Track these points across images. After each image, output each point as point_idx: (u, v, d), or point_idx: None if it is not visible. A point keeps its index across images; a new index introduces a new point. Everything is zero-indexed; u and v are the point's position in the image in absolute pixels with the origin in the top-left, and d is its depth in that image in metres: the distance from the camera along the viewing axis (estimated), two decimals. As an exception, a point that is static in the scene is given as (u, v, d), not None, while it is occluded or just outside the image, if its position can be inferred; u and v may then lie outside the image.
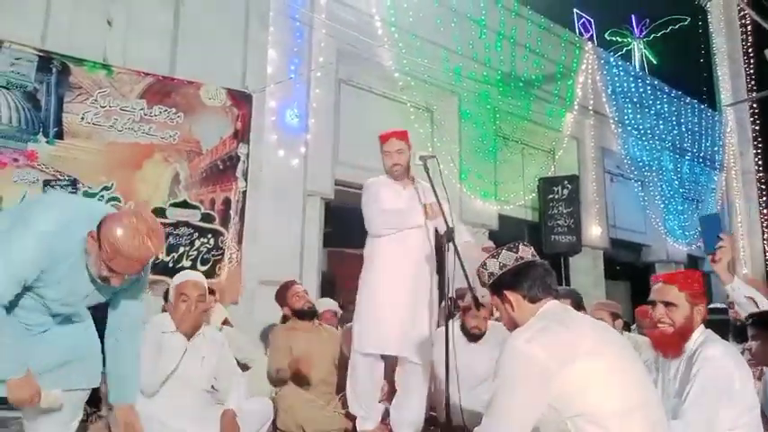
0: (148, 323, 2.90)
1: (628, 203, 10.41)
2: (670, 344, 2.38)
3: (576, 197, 8.50)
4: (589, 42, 10.12)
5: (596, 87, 9.68)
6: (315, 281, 5.94)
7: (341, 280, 7.11)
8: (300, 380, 3.79)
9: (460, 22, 7.67)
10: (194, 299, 2.96)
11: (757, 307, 2.86)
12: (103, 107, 4.60)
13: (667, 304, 2.39)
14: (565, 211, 8.40)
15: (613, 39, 13.37)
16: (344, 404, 3.68)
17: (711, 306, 3.87)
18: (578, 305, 3.83)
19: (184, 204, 4.91)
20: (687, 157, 11.66)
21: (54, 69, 4.42)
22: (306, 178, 5.93)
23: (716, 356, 2.24)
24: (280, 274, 5.25)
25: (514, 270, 2.04)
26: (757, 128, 12.96)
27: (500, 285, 2.06)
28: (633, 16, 13.74)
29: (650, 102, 10.98)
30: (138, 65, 4.85)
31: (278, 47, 5.86)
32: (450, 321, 2.96)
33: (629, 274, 11.18)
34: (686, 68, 13.16)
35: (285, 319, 4.29)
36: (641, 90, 10.82)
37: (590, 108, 9.49)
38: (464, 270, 2.94)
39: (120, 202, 4.58)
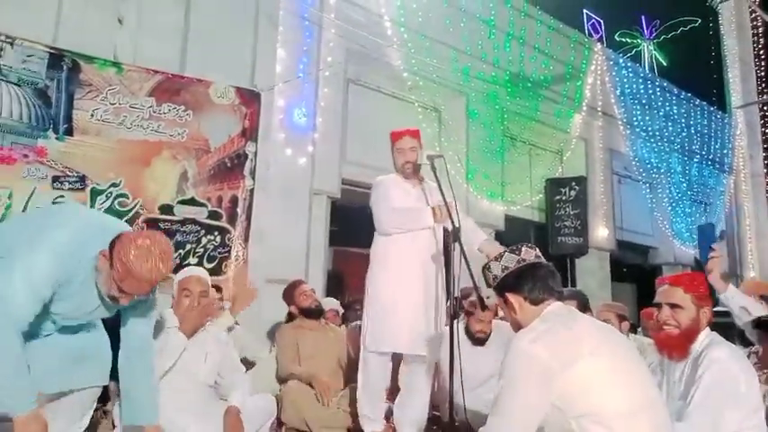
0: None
1: (635, 205, 10.36)
2: (675, 346, 2.38)
3: (584, 198, 8.47)
4: (598, 43, 10.08)
5: (605, 88, 9.64)
6: (321, 279, 5.95)
7: (347, 279, 7.13)
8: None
9: (469, 23, 7.66)
10: (197, 294, 2.98)
11: (750, 316, 2.89)
12: (113, 104, 4.63)
13: (673, 306, 2.39)
14: (572, 213, 8.38)
15: (623, 40, 13.31)
16: (349, 402, 3.70)
17: (717, 309, 3.86)
18: (584, 307, 3.83)
19: (192, 202, 4.93)
20: (696, 160, 11.59)
21: (65, 66, 4.45)
22: (313, 177, 5.94)
23: (721, 359, 2.24)
24: (286, 272, 5.27)
25: (516, 272, 2.05)
26: (767, 131, 12.87)
27: (503, 288, 2.07)
28: (643, 17, 13.68)
29: (659, 103, 10.92)
30: (147, 63, 4.88)
31: (287, 46, 5.87)
32: (455, 321, 2.97)
33: (636, 276, 11.13)
34: (696, 70, 13.08)
35: (291, 317, 4.31)
36: (650, 92, 10.77)
37: (598, 109, 9.45)
38: (470, 270, 2.95)
39: (128, 198, 4.61)
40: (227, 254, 5.04)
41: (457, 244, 2.99)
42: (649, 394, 1.85)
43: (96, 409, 2.84)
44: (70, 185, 4.39)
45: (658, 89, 11.00)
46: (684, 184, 11.15)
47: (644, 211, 10.47)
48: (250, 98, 5.28)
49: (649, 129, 10.45)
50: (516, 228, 8.07)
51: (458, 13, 7.54)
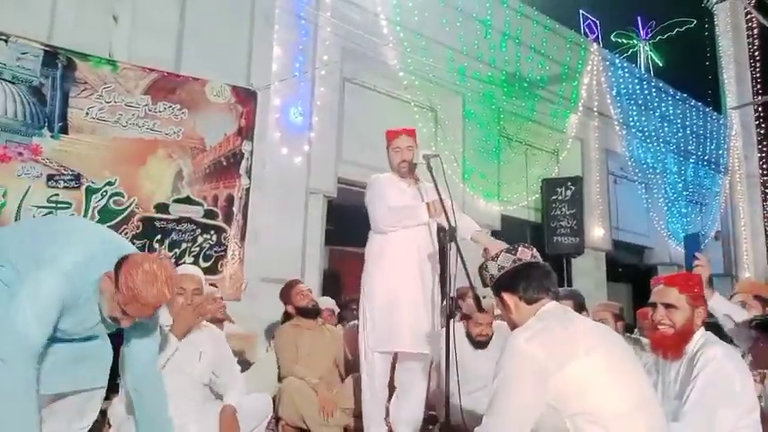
0: None
1: (631, 205, 10.39)
2: (670, 346, 2.38)
3: (580, 198, 8.49)
4: (594, 44, 10.11)
5: (601, 89, 9.67)
6: (316, 279, 5.95)
7: (343, 278, 7.13)
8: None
9: (466, 23, 7.67)
10: (190, 291, 2.97)
11: (735, 324, 2.92)
12: (108, 102, 4.61)
13: (668, 306, 2.39)
14: (568, 213, 8.39)
15: (619, 40, 13.37)
16: (345, 399, 3.70)
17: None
18: (580, 306, 3.83)
19: (187, 200, 4.91)
20: (691, 160, 11.63)
21: (59, 64, 4.43)
22: (309, 176, 5.94)
23: (717, 358, 2.24)
24: (281, 271, 5.27)
25: (512, 272, 2.06)
26: (762, 131, 12.94)
27: (499, 287, 2.07)
28: (639, 18, 13.74)
29: (655, 104, 10.96)
30: (143, 61, 4.86)
31: (283, 45, 5.87)
32: (451, 321, 2.96)
33: (632, 276, 11.17)
34: (692, 71, 13.14)
35: (288, 316, 4.31)
36: (646, 92, 10.80)
37: (594, 109, 9.47)
38: (466, 269, 2.94)
39: (123, 197, 4.59)
40: (222, 253, 5.03)
41: (453, 244, 2.98)
42: (645, 394, 1.85)
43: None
44: (65, 184, 4.37)
45: (654, 90, 11.04)
46: (680, 185, 11.19)
47: (640, 211, 10.50)
48: (246, 97, 5.27)
49: (645, 129, 10.48)
50: (512, 228, 8.08)
51: (454, 12, 7.55)
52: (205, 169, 5.02)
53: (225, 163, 5.13)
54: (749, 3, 12.03)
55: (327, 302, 4.88)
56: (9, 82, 4.23)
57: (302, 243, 5.82)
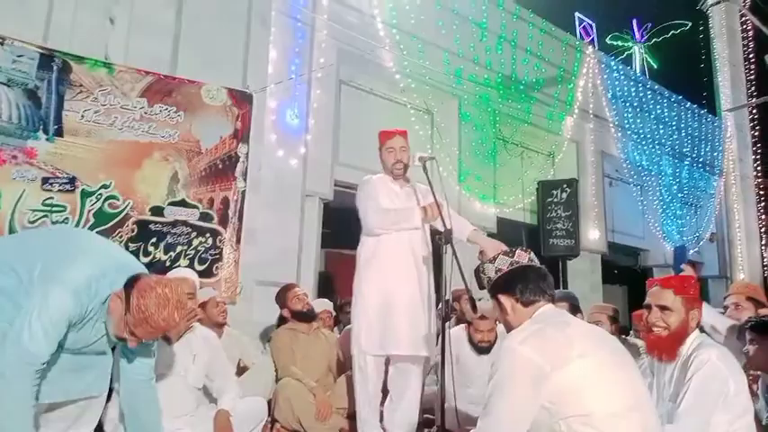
0: None
1: (626, 208, 10.41)
2: (665, 347, 2.39)
3: (575, 201, 8.50)
4: (590, 46, 10.13)
5: (597, 91, 9.69)
6: (312, 282, 5.95)
7: (338, 281, 7.12)
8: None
9: (462, 25, 7.68)
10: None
11: (720, 335, 2.96)
12: (104, 105, 4.60)
13: (663, 308, 2.40)
14: (563, 215, 8.40)
15: (614, 43, 13.41)
16: (339, 398, 3.71)
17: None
18: (574, 308, 3.85)
19: (183, 203, 4.90)
20: (686, 162, 11.67)
21: (55, 67, 4.41)
22: (305, 179, 5.93)
23: (710, 361, 2.25)
24: (277, 274, 5.27)
25: (508, 274, 2.06)
26: (757, 133, 12.99)
27: (495, 289, 2.08)
28: (634, 20, 13.78)
29: (650, 106, 10.99)
30: (139, 63, 4.85)
31: (279, 47, 5.86)
32: (447, 324, 2.96)
33: (627, 278, 11.19)
34: (687, 73, 13.20)
35: (283, 320, 4.31)
36: (641, 94, 10.84)
37: (590, 112, 9.50)
38: (461, 272, 2.95)
39: (118, 200, 4.57)
40: (218, 256, 5.02)
41: (449, 246, 2.98)
42: (639, 396, 1.85)
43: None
44: (60, 187, 4.36)
45: (649, 92, 11.08)
46: (675, 187, 11.22)
47: (635, 213, 10.53)
48: (242, 99, 5.27)
49: (640, 131, 10.51)
50: (508, 230, 8.08)
51: (450, 15, 7.56)
52: (201, 172, 5.02)
53: (221, 165, 5.12)
54: (744, 5, 12.10)
55: (326, 305, 4.87)
56: (4, 85, 4.22)
57: (298, 246, 5.81)
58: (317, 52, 6.19)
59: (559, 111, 8.96)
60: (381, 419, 3.39)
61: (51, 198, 4.30)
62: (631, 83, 10.69)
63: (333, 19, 6.30)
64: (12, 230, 4.09)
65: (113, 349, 2.44)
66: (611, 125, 9.84)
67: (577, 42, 9.88)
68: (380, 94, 7.10)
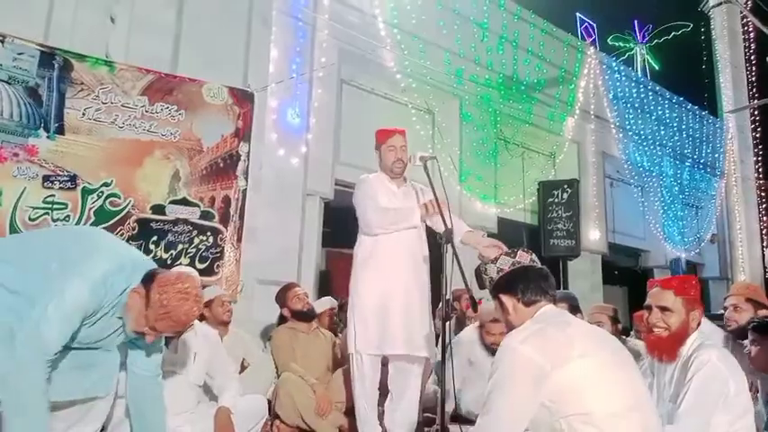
0: None
1: (627, 208, 10.41)
2: (665, 348, 2.39)
3: (576, 201, 8.50)
4: (591, 47, 10.13)
5: (598, 92, 9.69)
6: (313, 280, 5.95)
7: (339, 280, 7.11)
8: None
9: (463, 25, 7.68)
10: None
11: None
12: (105, 103, 4.60)
13: (663, 309, 2.40)
14: (564, 215, 8.40)
15: (616, 44, 13.41)
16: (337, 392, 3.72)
17: (707, 314, 3.90)
18: (574, 309, 3.84)
19: (184, 202, 4.90)
20: (687, 163, 11.67)
21: (56, 65, 4.42)
22: (306, 178, 5.93)
23: (711, 361, 2.25)
24: (278, 273, 5.27)
25: (510, 274, 2.07)
26: (758, 135, 13.00)
27: (498, 289, 2.08)
28: (636, 21, 13.79)
29: (651, 107, 10.99)
30: (140, 62, 4.85)
31: (280, 46, 5.86)
32: (447, 324, 2.96)
33: (628, 279, 11.18)
34: (688, 74, 13.19)
35: (283, 319, 4.31)
36: (643, 95, 10.84)
37: (591, 112, 9.50)
38: (462, 272, 2.94)
39: (119, 198, 4.58)
40: (219, 254, 5.02)
41: (449, 246, 2.97)
42: (639, 396, 1.85)
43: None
44: (61, 185, 4.36)
45: (651, 93, 11.07)
46: (676, 188, 11.22)
47: (636, 214, 10.52)
48: (243, 98, 5.27)
49: (641, 132, 10.51)
50: (509, 230, 8.08)
51: (451, 15, 7.56)
52: (202, 170, 5.02)
53: (222, 164, 5.12)
54: (745, 6, 12.09)
55: (330, 303, 4.84)
56: (5, 82, 4.22)
57: (299, 244, 5.82)
58: (319, 52, 6.19)
59: (560, 111, 8.96)
60: (382, 419, 3.39)
61: (52, 196, 4.31)
62: (632, 84, 10.69)
63: (334, 18, 6.30)
64: (13, 228, 4.10)
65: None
66: (613, 126, 9.84)
67: (579, 43, 9.89)
68: (381, 94, 7.10)
